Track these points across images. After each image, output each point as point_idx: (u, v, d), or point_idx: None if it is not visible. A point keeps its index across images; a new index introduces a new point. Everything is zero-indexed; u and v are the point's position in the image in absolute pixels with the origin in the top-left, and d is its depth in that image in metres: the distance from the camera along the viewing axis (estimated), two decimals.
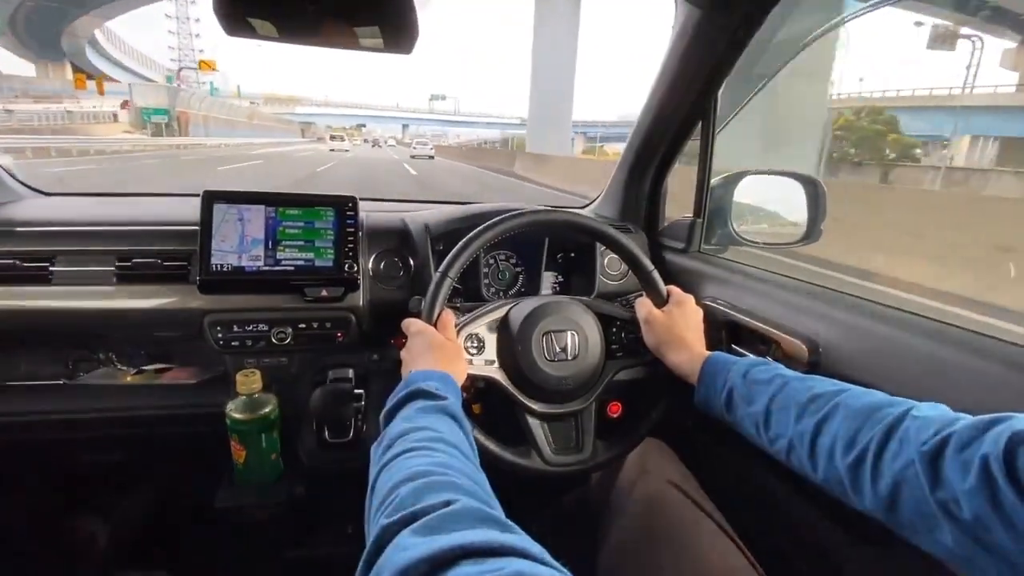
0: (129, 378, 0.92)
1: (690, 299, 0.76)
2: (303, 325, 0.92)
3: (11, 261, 0.84)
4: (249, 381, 0.78)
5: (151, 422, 0.89)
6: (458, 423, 0.53)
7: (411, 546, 0.30)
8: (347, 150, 32.37)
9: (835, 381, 0.55)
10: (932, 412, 0.45)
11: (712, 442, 0.96)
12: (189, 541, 1.16)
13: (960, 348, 0.60)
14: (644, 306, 0.76)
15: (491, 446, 0.70)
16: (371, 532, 0.35)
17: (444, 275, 0.71)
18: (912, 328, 0.67)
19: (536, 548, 0.32)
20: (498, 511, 0.38)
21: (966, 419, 0.42)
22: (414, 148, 32.67)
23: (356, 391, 0.88)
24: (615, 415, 0.98)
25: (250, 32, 0.70)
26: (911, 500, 0.41)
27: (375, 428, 0.94)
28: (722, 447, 0.94)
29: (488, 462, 0.67)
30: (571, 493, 1.03)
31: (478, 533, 0.31)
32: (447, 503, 0.34)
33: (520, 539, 0.32)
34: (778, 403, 0.56)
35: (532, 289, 1.13)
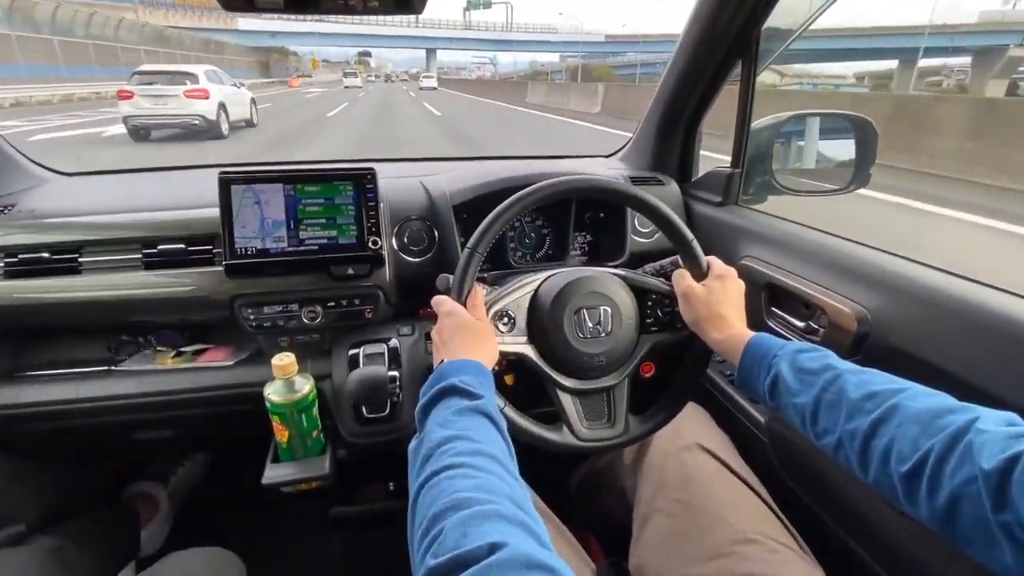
0: (169, 361, 0.94)
1: (732, 272, 0.72)
2: (332, 303, 0.91)
3: (43, 254, 0.85)
4: (284, 366, 0.79)
5: (193, 403, 0.92)
6: (494, 423, 0.52)
7: None
8: (359, 86, 39.70)
9: (893, 377, 0.51)
10: (1000, 426, 0.41)
11: (747, 403, 0.94)
12: (239, 506, 1.24)
13: None
14: (682, 279, 0.72)
15: (523, 423, 0.69)
16: (417, 568, 0.35)
17: (473, 251, 0.69)
18: (977, 298, 0.61)
19: None
20: (542, 535, 0.37)
21: None
22: (421, 82, 43.35)
23: (391, 373, 0.88)
24: (648, 375, 0.97)
25: (248, 4, 0.65)
26: (970, 517, 0.39)
27: (411, 401, 0.95)
28: (757, 407, 0.92)
29: (520, 439, 0.68)
30: (602, 455, 1.04)
31: None
32: (493, 547, 0.33)
33: None
34: (828, 397, 0.53)
35: (560, 252, 1.10)
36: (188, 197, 0.95)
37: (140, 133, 9.03)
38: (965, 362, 0.60)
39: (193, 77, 9.20)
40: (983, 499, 0.38)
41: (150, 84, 8.93)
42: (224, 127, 9.62)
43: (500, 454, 0.47)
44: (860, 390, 0.51)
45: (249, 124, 11.31)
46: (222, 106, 9.60)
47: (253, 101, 11.60)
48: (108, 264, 0.87)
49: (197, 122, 9.04)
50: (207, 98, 9.16)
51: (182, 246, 0.88)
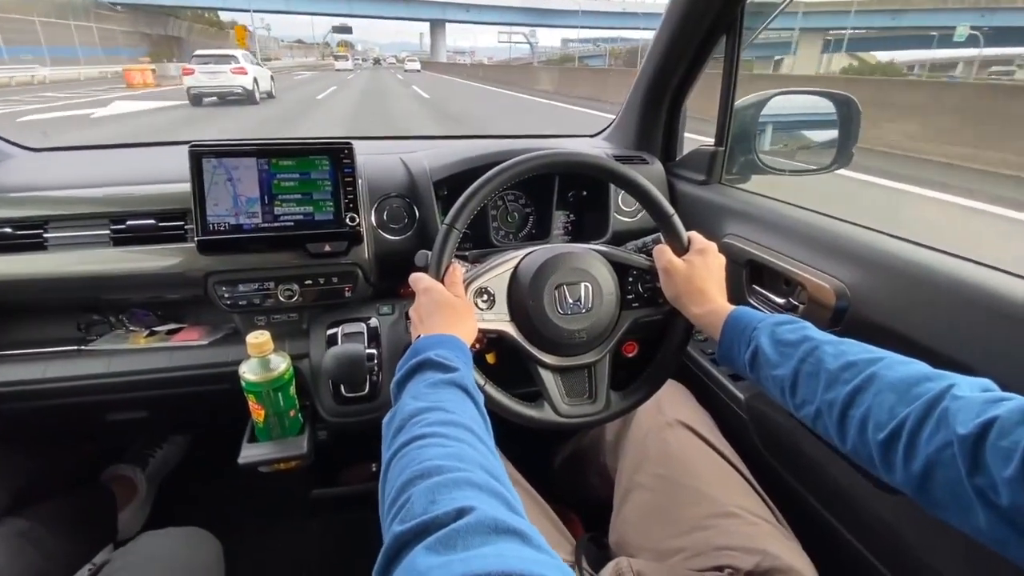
0: (142, 340, 0.92)
1: (712, 247, 0.71)
2: (309, 281, 0.90)
3: (5, 229, 0.82)
4: (259, 343, 0.77)
5: (168, 383, 0.89)
6: (470, 396, 0.51)
7: (426, 570, 0.29)
8: (351, 69, 43.78)
9: (870, 347, 0.51)
10: (975, 391, 0.41)
11: (727, 381, 0.95)
12: (219, 488, 1.22)
13: (1009, 297, 0.56)
14: (663, 254, 0.71)
15: (504, 400, 0.69)
16: (385, 534, 0.35)
17: (451, 227, 0.67)
18: (955, 272, 0.62)
19: (556, 563, 0.30)
20: (515, 505, 0.37)
21: (1013, 401, 0.39)
22: (406, 65, 47.18)
23: (369, 351, 0.87)
24: (630, 354, 0.97)
25: None
26: (945, 482, 0.39)
27: (391, 379, 0.94)
28: (737, 385, 0.93)
29: (501, 416, 0.67)
30: (585, 433, 1.04)
31: (494, 553, 0.29)
32: (461, 512, 0.32)
33: (537, 556, 0.30)
34: (807, 368, 0.53)
35: (543, 230, 1.09)
36: (158, 173, 0.92)
37: (197, 99, 12.79)
38: (942, 335, 0.60)
39: (235, 59, 12.96)
40: (958, 463, 0.38)
41: (206, 64, 12.66)
42: (257, 95, 13.54)
43: (475, 425, 0.46)
44: (838, 360, 0.51)
45: (269, 95, 14.87)
46: (255, 80, 13.39)
47: (272, 78, 15.65)
48: (75, 240, 0.84)
49: (239, 91, 12.90)
50: (246, 74, 12.92)
51: (152, 222, 0.85)
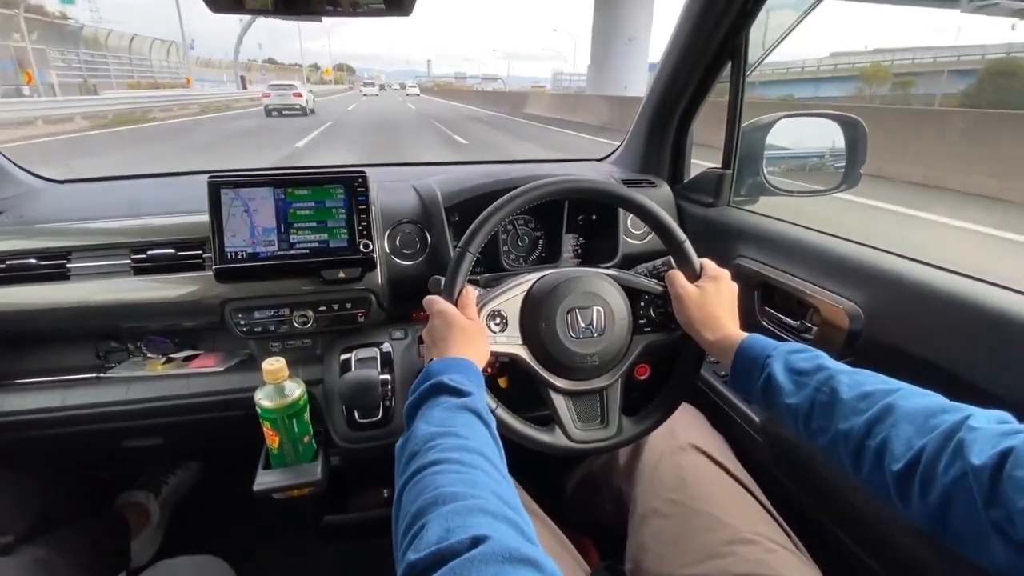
0: (159, 367, 0.93)
1: (725, 274, 0.72)
2: (323, 308, 0.91)
3: (30, 260, 0.84)
4: (274, 370, 0.78)
5: (184, 410, 0.91)
6: (483, 421, 0.52)
7: None
8: (376, 94, 52.90)
9: (886, 378, 0.51)
10: (991, 423, 0.41)
11: (741, 404, 0.94)
12: (230, 513, 1.22)
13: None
14: (676, 280, 0.72)
15: (515, 424, 0.69)
16: (399, 564, 0.35)
17: (464, 251, 0.68)
18: (972, 294, 0.61)
19: None
20: (528, 532, 0.37)
21: None
22: (407, 90, 54.00)
23: (382, 376, 0.88)
24: (642, 377, 0.96)
25: (237, 5, 0.65)
26: (962, 514, 0.39)
27: (404, 404, 0.94)
28: (752, 407, 0.92)
29: (512, 440, 0.67)
30: (598, 458, 1.03)
31: None
32: (476, 541, 0.33)
33: None
34: (822, 397, 0.52)
35: (553, 254, 1.09)
36: (178, 203, 0.94)
37: (269, 112, 18.76)
38: (957, 357, 0.60)
39: (295, 87, 19.75)
40: (975, 495, 0.38)
41: (276, 89, 19.42)
42: (308, 110, 19.71)
43: (488, 450, 0.46)
44: (854, 390, 0.51)
45: (312, 112, 20.47)
46: (307, 100, 19.77)
47: (314, 99, 23.23)
48: (97, 270, 0.86)
49: (298, 108, 19.17)
50: (302, 96, 19.32)
51: (171, 251, 0.87)
